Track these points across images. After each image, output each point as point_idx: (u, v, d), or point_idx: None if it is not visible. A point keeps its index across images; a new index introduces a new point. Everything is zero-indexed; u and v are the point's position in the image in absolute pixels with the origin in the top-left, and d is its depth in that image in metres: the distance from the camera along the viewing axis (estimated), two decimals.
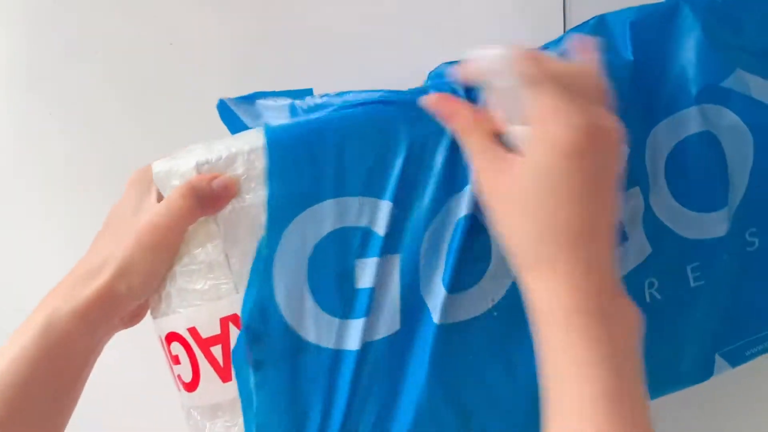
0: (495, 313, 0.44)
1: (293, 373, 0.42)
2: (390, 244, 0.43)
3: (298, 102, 0.47)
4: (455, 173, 0.43)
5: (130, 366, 0.57)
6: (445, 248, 0.43)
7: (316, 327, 0.42)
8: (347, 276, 0.43)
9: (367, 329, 0.43)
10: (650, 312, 0.43)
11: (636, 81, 0.45)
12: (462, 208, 0.43)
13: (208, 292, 0.42)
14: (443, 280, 0.43)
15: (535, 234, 0.37)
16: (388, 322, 0.43)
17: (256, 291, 0.42)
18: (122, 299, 0.42)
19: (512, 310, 0.43)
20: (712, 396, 0.57)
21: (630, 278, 0.46)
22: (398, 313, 0.43)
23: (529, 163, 0.38)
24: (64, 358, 0.41)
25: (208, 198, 0.41)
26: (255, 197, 0.42)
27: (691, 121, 0.46)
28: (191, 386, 0.43)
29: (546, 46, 0.48)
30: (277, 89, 0.58)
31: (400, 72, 0.54)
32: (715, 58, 0.46)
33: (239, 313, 0.41)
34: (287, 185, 0.42)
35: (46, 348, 0.40)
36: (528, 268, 0.38)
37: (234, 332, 0.42)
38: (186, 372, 0.43)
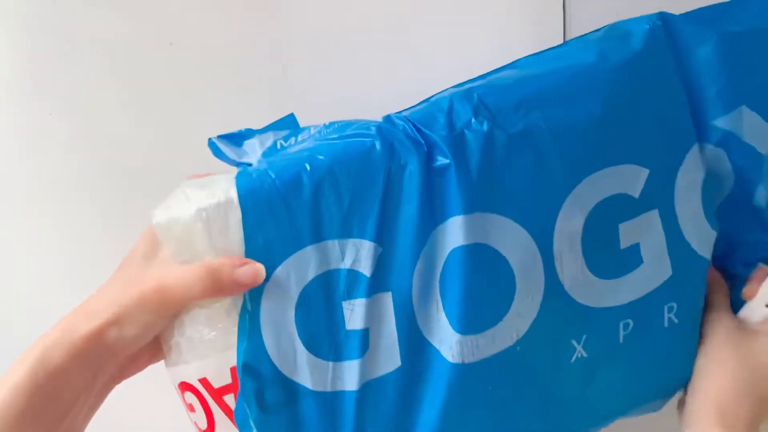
0: (518, 348, 0.44)
1: (294, 421, 0.43)
2: (377, 284, 0.43)
3: (280, 142, 0.47)
4: (435, 204, 0.43)
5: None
6: (437, 282, 0.43)
7: (310, 373, 0.42)
8: (336, 319, 0.42)
9: (365, 369, 0.43)
10: (669, 335, 0.47)
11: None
12: (451, 240, 0.43)
13: (216, 342, 0.42)
14: (453, 319, 0.43)
15: (738, 400, 0.45)
16: (387, 360, 0.43)
17: (246, 346, 0.41)
18: (112, 344, 0.41)
19: (535, 343, 0.44)
20: None
21: (648, 300, 0.47)
22: (397, 350, 0.43)
23: None
24: (57, 394, 0.40)
25: (227, 288, 0.41)
26: None
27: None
28: None
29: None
30: (278, 89, 0.59)
31: (399, 72, 0.55)
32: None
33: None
34: (264, 235, 0.42)
35: (39, 382, 0.40)
36: (712, 423, 0.44)
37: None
38: (201, 420, 0.43)
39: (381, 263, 0.43)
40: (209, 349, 0.42)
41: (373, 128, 0.44)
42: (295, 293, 0.42)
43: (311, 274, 0.42)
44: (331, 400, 0.43)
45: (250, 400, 0.41)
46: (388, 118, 0.46)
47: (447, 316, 0.43)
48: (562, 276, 0.45)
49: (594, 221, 0.45)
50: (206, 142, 0.48)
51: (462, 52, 0.58)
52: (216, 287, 0.41)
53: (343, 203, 0.42)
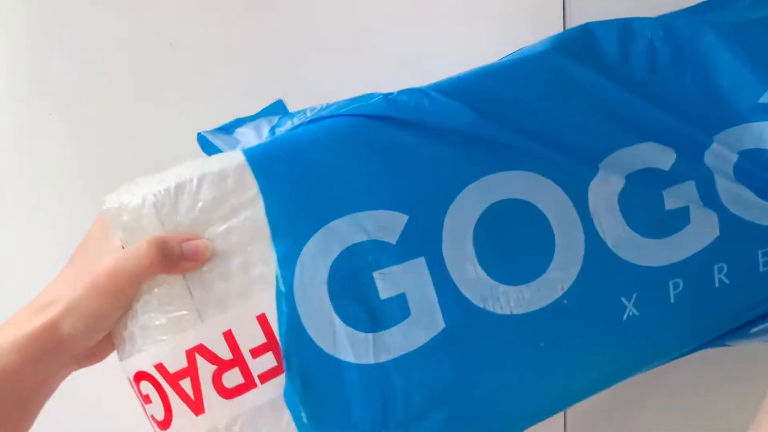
0: (565, 301, 0.45)
1: (343, 397, 0.42)
2: (406, 251, 0.43)
3: (278, 129, 0.47)
4: (463, 164, 0.44)
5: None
6: (470, 239, 0.44)
7: (351, 347, 0.42)
8: (369, 290, 0.43)
9: (407, 336, 0.43)
10: (718, 296, 0.47)
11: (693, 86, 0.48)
12: (485, 197, 0.44)
13: (170, 326, 0.41)
14: (494, 272, 0.44)
15: None
16: (429, 324, 0.43)
17: (285, 328, 0.42)
18: (66, 339, 0.41)
19: (584, 298, 0.45)
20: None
21: (697, 261, 0.47)
22: (438, 313, 0.43)
23: None
24: (4, 390, 0.40)
25: (175, 259, 0.40)
26: (218, 228, 0.42)
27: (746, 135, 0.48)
28: (165, 424, 0.42)
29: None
30: (277, 89, 0.59)
31: (397, 71, 0.54)
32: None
33: (205, 343, 0.41)
34: (286, 216, 0.42)
35: None
36: None
37: (201, 363, 0.41)
38: (158, 411, 0.42)
39: (407, 230, 0.43)
40: (163, 333, 0.41)
41: (383, 97, 0.45)
42: (324, 270, 0.42)
43: (337, 249, 0.42)
44: (376, 371, 0.42)
45: (296, 381, 0.42)
46: (408, 91, 0.46)
47: (486, 270, 0.44)
48: (602, 233, 0.46)
49: (631, 186, 0.46)
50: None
51: (461, 52, 0.58)
52: (165, 260, 0.40)
53: (359, 172, 0.43)
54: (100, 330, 0.41)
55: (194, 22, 0.59)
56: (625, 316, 0.46)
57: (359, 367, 0.42)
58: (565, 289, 0.45)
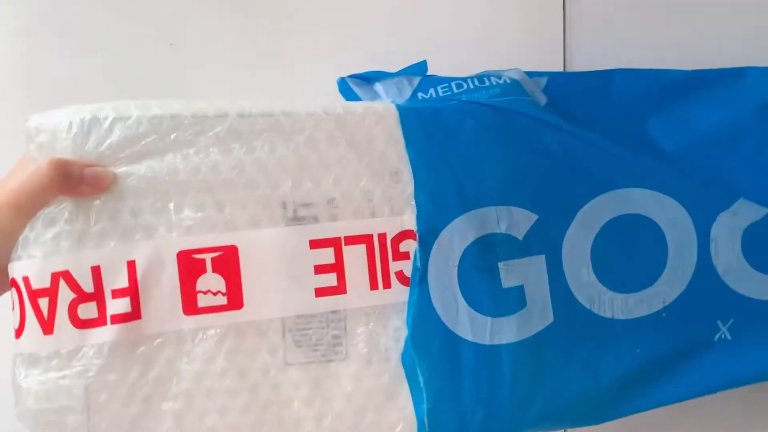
0: (664, 314, 0.49)
1: (456, 369, 0.46)
2: (531, 247, 0.47)
3: (421, 94, 0.51)
4: (594, 175, 0.48)
5: None
6: (590, 245, 0.48)
7: (471, 326, 0.46)
8: (494, 278, 0.46)
9: (521, 324, 0.46)
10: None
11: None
12: (611, 209, 0.48)
13: (46, 245, 0.43)
14: (605, 279, 0.48)
15: None
16: (541, 317, 0.47)
17: (416, 299, 0.45)
18: None
19: (680, 313, 0.49)
20: None
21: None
22: (550, 308, 0.47)
23: None
24: None
25: (74, 181, 0.42)
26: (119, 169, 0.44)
27: None
28: (17, 333, 0.44)
29: None
30: (278, 89, 0.59)
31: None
32: None
33: (71, 270, 0.43)
34: (430, 194, 0.46)
35: None
36: None
37: (63, 288, 0.42)
38: (16, 318, 0.44)
39: (535, 228, 0.47)
40: (38, 250, 0.43)
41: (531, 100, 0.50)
42: (457, 254, 0.46)
43: (471, 237, 0.46)
44: (489, 352, 0.46)
45: (419, 348, 0.45)
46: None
47: (597, 276, 0.48)
48: (716, 260, 0.50)
49: (766, 222, 0.51)
50: None
51: (461, 51, 0.58)
52: (64, 181, 0.42)
53: (507, 167, 0.47)
54: (7, 246, 0.43)
55: (194, 22, 0.59)
56: (716, 338, 0.50)
57: (476, 346, 0.46)
58: (667, 303, 0.49)
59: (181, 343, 0.43)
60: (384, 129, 0.46)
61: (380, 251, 0.45)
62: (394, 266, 0.45)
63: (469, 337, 0.46)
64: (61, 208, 0.43)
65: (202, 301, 0.43)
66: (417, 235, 0.45)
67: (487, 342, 0.46)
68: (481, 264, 0.46)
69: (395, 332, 0.46)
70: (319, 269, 0.44)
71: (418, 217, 0.45)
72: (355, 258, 0.45)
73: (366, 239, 0.45)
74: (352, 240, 0.45)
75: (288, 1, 0.59)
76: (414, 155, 0.46)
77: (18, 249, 0.44)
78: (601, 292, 0.48)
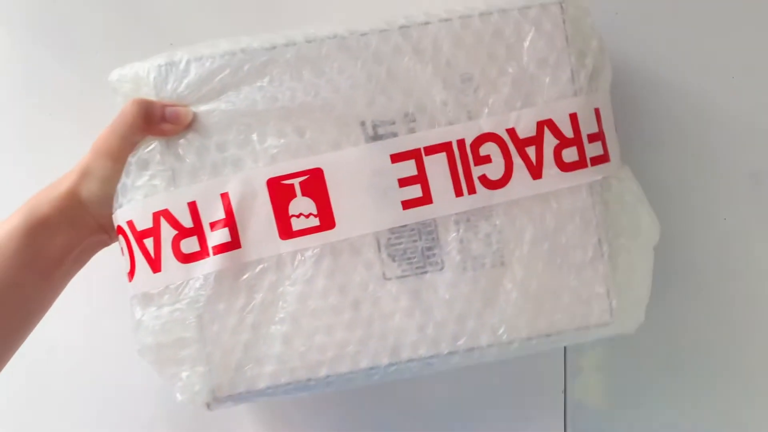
0: None
1: None
2: None
3: None
4: None
5: None
6: None
7: None
8: None
9: None
10: None
11: None
12: None
13: (144, 188, 0.45)
14: None
15: None
16: None
17: None
18: (86, 203, 0.46)
19: None
20: None
21: None
22: None
23: None
24: (45, 241, 0.45)
25: (157, 119, 0.45)
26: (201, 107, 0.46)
27: None
28: (130, 276, 0.47)
29: None
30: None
31: None
32: None
33: (170, 208, 0.45)
34: None
35: (30, 229, 0.44)
36: None
37: (164, 226, 0.45)
38: (126, 263, 0.47)
39: None
40: (138, 193, 0.46)
41: None
42: None
43: None
44: None
45: None
46: None
47: None
48: None
49: None
50: None
51: None
52: (147, 119, 0.44)
53: None
54: (109, 190, 0.46)
55: (194, 22, 0.59)
56: None
57: None
58: None
59: (282, 267, 0.45)
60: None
61: (461, 157, 0.45)
62: (477, 171, 0.45)
63: None
64: (152, 150, 0.45)
65: (296, 224, 0.45)
66: None
67: None
68: None
69: (486, 237, 0.46)
70: (403, 182, 0.45)
71: None
72: (436, 167, 0.45)
73: (445, 147, 0.45)
74: (431, 150, 0.45)
75: (288, 1, 0.60)
76: None
77: (118, 197, 0.46)
78: None
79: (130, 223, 0.45)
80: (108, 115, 0.58)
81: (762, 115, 0.57)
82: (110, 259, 0.50)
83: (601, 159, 0.47)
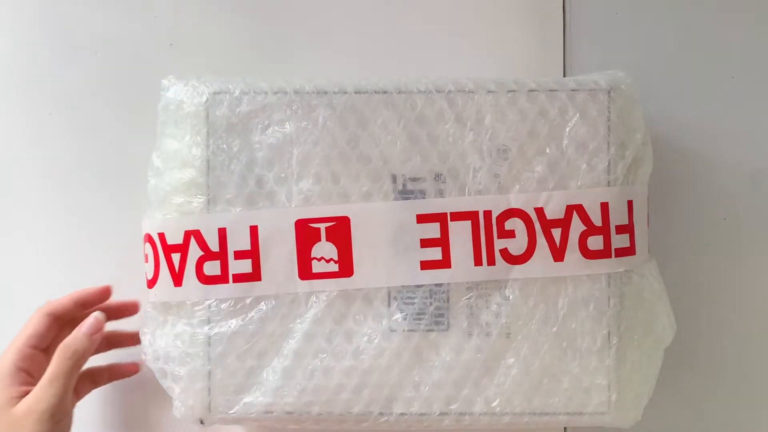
0: None
1: None
2: None
3: None
4: None
5: None
6: None
7: None
8: None
9: None
10: None
11: None
12: None
13: (182, 206, 0.48)
14: None
15: None
16: None
17: None
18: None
19: None
20: None
21: None
22: None
23: None
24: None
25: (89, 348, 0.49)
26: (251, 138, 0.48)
27: None
28: (151, 284, 0.49)
29: None
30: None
31: (399, 72, 0.55)
32: None
33: (202, 230, 0.47)
34: None
35: None
36: None
37: (193, 245, 0.47)
38: (150, 270, 0.49)
39: None
40: (175, 210, 0.48)
41: None
42: None
43: None
44: None
45: None
46: None
47: None
48: None
49: None
50: None
51: (462, 53, 0.58)
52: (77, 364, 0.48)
53: None
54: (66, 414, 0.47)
55: (194, 22, 0.58)
56: None
57: None
58: None
59: (296, 305, 0.46)
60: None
61: (485, 228, 0.46)
62: (499, 243, 0.46)
63: None
64: (196, 177, 0.47)
65: (316, 267, 0.46)
66: None
67: None
68: None
69: (496, 308, 0.46)
70: (425, 243, 0.46)
71: None
72: (460, 233, 0.46)
73: (471, 216, 0.46)
74: (457, 216, 0.46)
75: (288, 1, 0.58)
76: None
77: (154, 207, 0.48)
78: None
79: (162, 236, 0.47)
80: (108, 114, 0.58)
81: (762, 115, 0.56)
82: (119, 264, 0.54)
83: (627, 252, 0.47)
